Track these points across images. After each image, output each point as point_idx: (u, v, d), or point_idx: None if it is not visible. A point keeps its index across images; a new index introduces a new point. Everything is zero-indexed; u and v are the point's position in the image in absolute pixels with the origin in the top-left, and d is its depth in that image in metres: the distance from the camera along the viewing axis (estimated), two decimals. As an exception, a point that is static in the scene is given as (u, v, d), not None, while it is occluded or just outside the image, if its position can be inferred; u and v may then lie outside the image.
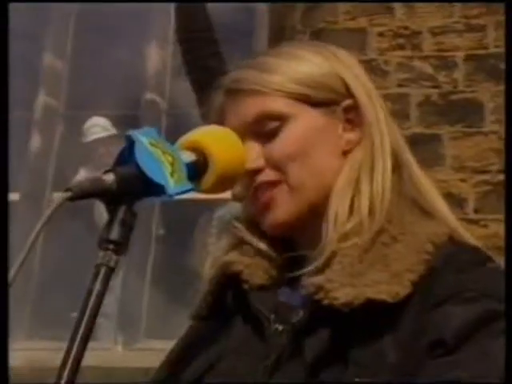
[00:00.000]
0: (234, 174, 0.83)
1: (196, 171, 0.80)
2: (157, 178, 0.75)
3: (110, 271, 0.72)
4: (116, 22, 3.90)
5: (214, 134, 0.83)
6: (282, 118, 0.86)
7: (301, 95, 0.86)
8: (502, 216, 2.92)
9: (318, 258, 0.83)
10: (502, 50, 3.10)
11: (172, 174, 0.76)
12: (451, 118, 3.05)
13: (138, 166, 0.74)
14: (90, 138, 3.87)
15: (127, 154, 0.76)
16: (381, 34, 3.21)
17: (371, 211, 0.83)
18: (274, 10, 3.49)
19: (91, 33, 4.00)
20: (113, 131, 3.89)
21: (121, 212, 0.73)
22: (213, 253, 0.92)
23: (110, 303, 3.67)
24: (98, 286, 0.70)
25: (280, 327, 0.83)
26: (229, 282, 0.88)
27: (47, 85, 3.99)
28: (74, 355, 0.67)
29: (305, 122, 0.86)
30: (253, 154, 0.86)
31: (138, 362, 2.95)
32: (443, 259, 0.80)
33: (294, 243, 0.90)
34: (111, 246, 0.72)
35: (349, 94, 0.88)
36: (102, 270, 0.71)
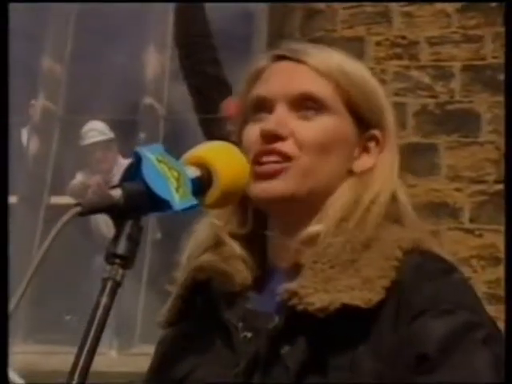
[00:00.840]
0: (237, 190, 0.85)
1: (200, 186, 0.82)
2: (163, 194, 0.76)
3: (117, 285, 0.73)
4: (115, 26, 3.91)
5: (218, 150, 0.85)
6: (323, 107, 0.87)
7: (349, 99, 0.88)
8: (498, 226, 2.95)
9: (289, 270, 0.85)
10: (499, 61, 3.12)
11: (177, 190, 0.78)
12: (448, 127, 3.07)
13: (144, 182, 0.76)
14: (88, 141, 3.88)
15: (134, 170, 0.77)
16: (378, 44, 3.23)
17: (357, 226, 0.84)
18: (273, 17, 3.50)
19: (90, 37, 4.00)
20: (110, 135, 3.90)
21: (127, 227, 0.75)
22: (189, 252, 0.91)
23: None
24: (104, 300, 0.72)
25: (249, 334, 0.84)
26: (198, 287, 0.89)
27: (46, 88, 4.00)
28: (81, 367, 0.69)
29: (339, 123, 0.88)
30: (283, 120, 0.86)
31: (132, 366, 2.96)
32: (411, 269, 0.81)
33: (265, 254, 0.90)
34: (118, 261, 0.74)
35: (379, 125, 0.90)
36: (109, 284, 0.73)
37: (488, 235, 2.94)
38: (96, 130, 3.90)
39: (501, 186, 3.00)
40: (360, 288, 0.79)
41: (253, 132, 0.87)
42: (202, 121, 3.45)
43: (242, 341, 0.84)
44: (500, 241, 2.93)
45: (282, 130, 0.86)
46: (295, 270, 0.83)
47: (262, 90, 0.89)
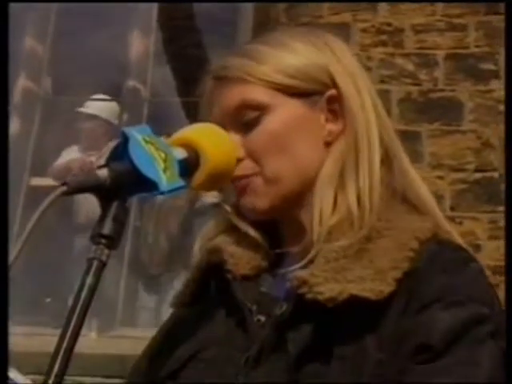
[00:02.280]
0: (224, 172, 0.84)
1: (187, 168, 0.81)
2: (150, 175, 0.76)
3: (102, 265, 0.73)
4: (99, 7, 3.87)
5: (205, 132, 0.85)
6: (261, 108, 0.85)
7: (282, 85, 0.86)
8: (476, 214, 2.98)
9: (302, 253, 0.83)
10: (482, 50, 3.14)
11: (165, 171, 0.77)
12: (430, 115, 3.08)
13: (131, 163, 0.75)
14: (90, 111, 3.84)
15: (121, 150, 0.77)
16: (364, 30, 3.23)
17: (359, 207, 0.83)
18: (259, 1, 3.49)
19: (73, 17, 3.96)
20: (113, 121, 3.88)
21: (114, 207, 0.74)
22: (201, 236, 0.91)
23: (86, 290, 3.66)
24: (89, 280, 0.71)
25: (262, 318, 0.83)
26: (213, 270, 0.88)
27: (27, 69, 3.96)
28: (65, 348, 0.68)
29: (284, 113, 0.86)
30: (233, 143, 0.86)
31: (112, 348, 2.96)
32: (427, 258, 0.80)
33: (280, 237, 0.90)
34: (103, 241, 0.73)
35: (333, 84, 0.87)
36: (95, 264, 0.72)
37: (467, 223, 2.97)
38: (99, 106, 3.86)
39: (480, 175, 3.03)
40: (372, 279, 0.77)
41: None
42: (186, 104, 3.44)
43: (255, 324, 0.83)
44: (478, 228, 2.96)
45: (235, 154, 0.85)
46: (308, 260, 0.82)
47: (212, 119, 0.88)
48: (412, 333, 0.76)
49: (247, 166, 0.86)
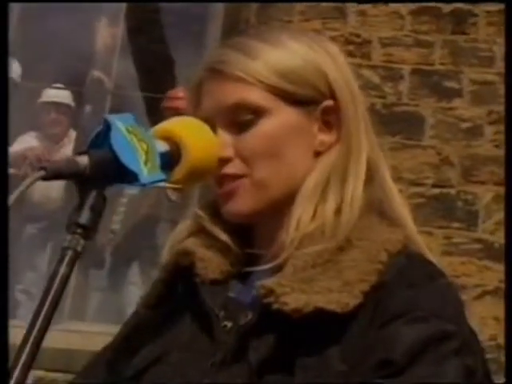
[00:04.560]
0: (205, 168, 0.83)
1: (169, 161, 0.79)
2: (131, 165, 0.74)
3: (77, 255, 0.70)
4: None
5: (189, 126, 0.83)
6: (257, 111, 0.84)
7: (281, 90, 0.84)
8: (431, 229, 3.02)
9: (273, 258, 0.83)
10: (446, 67, 3.20)
11: (146, 163, 0.75)
12: (392, 128, 3.12)
13: (112, 152, 0.73)
14: (46, 99, 3.81)
15: (102, 138, 0.75)
16: (333, 39, 3.25)
17: (337, 218, 0.82)
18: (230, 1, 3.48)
19: (40, 3, 3.88)
20: (71, 103, 3.85)
21: (91, 196, 0.72)
22: (172, 237, 0.90)
23: (33, 281, 3.59)
24: (63, 270, 0.69)
25: (229, 324, 0.82)
26: (181, 273, 0.87)
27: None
28: (34, 337, 0.66)
29: (279, 120, 0.84)
30: (223, 141, 0.84)
31: (60, 343, 2.90)
32: (395, 271, 0.79)
33: (252, 239, 0.89)
34: (79, 231, 0.71)
35: (331, 94, 0.86)
36: (69, 254, 0.70)
37: (423, 237, 3.01)
38: (58, 93, 3.82)
39: (438, 191, 3.08)
40: (339, 290, 0.76)
41: None
42: (147, 99, 3.40)
43: (221, 330, 0.81)
44: (432, 243, 3.00)
45: (224, 153, 0.84)
46: (278, 265, 0.81)
47: (200, 113, 0.87)
48: (375, 347, 0.75)
49: (237, 166, 0.84)
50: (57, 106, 3.83)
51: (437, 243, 3.00)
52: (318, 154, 0.86)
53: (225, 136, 0.85)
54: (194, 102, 0.88)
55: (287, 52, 0.86)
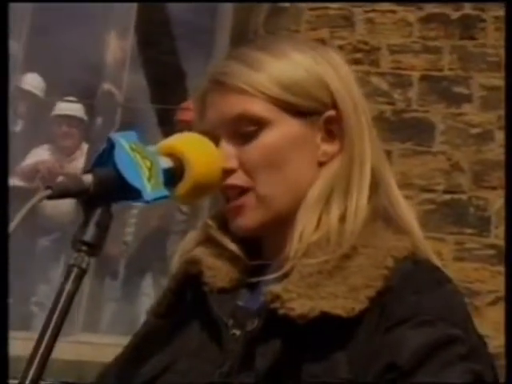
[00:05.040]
0: (209, 184, 0.84)
1: (172, 178, 0.81)
2: (135, 183, 0.75)
3: (82, 272, 0.72)
4: (77, 6, 3.84)
5: (192, 142, 0.84)
6: (260, 123, 0.85)
7: (283, 102, 0.85)
8: (443, 235, 3.01)
9: (279, 267, 0.83)
10: (455, 73, 3.19)
11: (149, 179, 0.77)
12: (402, 135, 3.12)
13: (116, 169, 0.74)
14: (59, 112, 3.84)
15: (107, 156, 0.76)
16: (340, 47, 3.25)
17: (342, 227, 0.83)
18: (238, 11, 3.50)
19: (49, 15, 3.92)
20: (83, 117, 3.88)
21: (96, 214, 0.73)
22: (181, 246, 0.91)
23: (47, 293, 3.61)
24: (69, 286, 0.70)
25: (237, 332, 0.82)
26: (190, 281, 0.87)
27: (0, 65, 3.90)
28: (42, 353, 0.67)
29: (282, 131, 0.85)
30: (227, 153, 0.85)
31: (72, 354, 2.91)
32: (401, 277, 0.80)
33: (259, 249, 0.90)
34: (84, 248, 0.72)
35: (333, 104, 0.86)
36: (74, 271, 0.71)
37: (433, 243, 3.00)
38: (70, 106, 3.85)
39: (449, 197, 3.07)
40: (344, 296, 0.77)
41: None
42: (159, 111, 3.43)
43: (230, 338, 0.82)
44: (444, 249, 2.99)
45: (228, 164, 0.85)
46: (284, 274, 0.81)
47: (204, 124, 0.88)
48: (381, 351, 0.75)
49: (241, 178, 0.85)
50: (68, 119, 3.86)
51: (449, 249, 2.99)
52: (321, 164, 0.87)
53: (228, 147, 0.86)
54: (199, 114, 0.90)
55: (290, 64, 0.87)
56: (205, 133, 0.87)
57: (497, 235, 3.01)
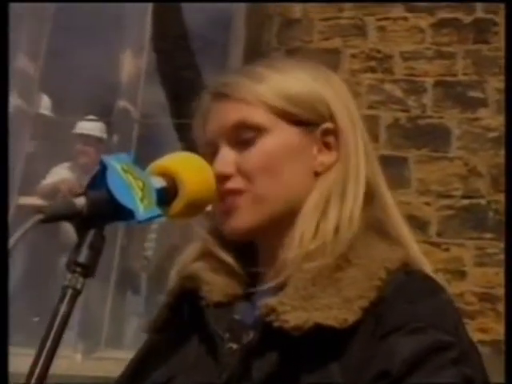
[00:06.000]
0: (202, 201, 0.85)
1: (165, 197, 0.82)
2: (127, 204, 0.76)
3: (77, 293, 0.73)
4: (92, 27, 3.90)
5: (184, 161, 0.85)
6: (258, 130, 0.87)
7: (282, 111, 0.88)
8: (463, 241, 2.99)
9: (275, 276, 0.85)
10: (470, 78, 3.18)
11: (142, 200, 0.78)
12: (418, 141, 3.11)
13: (109, 191, 0.76)
14: (77, 131, 3.88)
15: (99, 178, 0.78)
16: (353, 56, 3.26)
17: (336, 236, 0.84)
18: (250, 24, 3.52)
19: (66, 36, 3.98)
20: (100, 135, 3.93)
21: (90, 235, 0.75)
22: (178, 261, 0.92)
23: (71, 310, 3.64)
24: (64, 308, 0.71)
25: (234, 346, 0.84)
26: (187, 296, 0.89)
27: (19, 87, 3.97)
28: (38, 375, 0.69)
29: (280, 138, 0.87)
30: (225, 159, 0.87)
31: (97, 370, 2.94)
32: (394, 288, 0.81)
33: (255, 258, 0.91)
34: (79, 269, 0.73)
35: (331, 117, 0.89)
36: (69, 292, 0.73)
37: (454, 249, 2.98)
38: (86, 125, 3.91)
39: (467, 202, 3.05)
40: (338, 307, 0.78)
41: None
42: (178, 126, 3.45)
43: (226, 352, 0.83)
44: (465, 255, 2.97)
45: (226, 169, 0.87)
46: (280, 283, 0.83)
47: (206, 135, 0.90)
48: (373, 359, 0.76)
49: (238, 182, 0.87)
50: (85, 137, 3.91)
51: (469, 255, 2.97)
52: (317, 175, 0.89)
53: (227, 153, 0.88)
54: (200, 127, 0.92)
55: (290, 77, 0.90)
56: (206, 143, 0.90)
57: (518, 239, 2.98)
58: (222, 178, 0.87)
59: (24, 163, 3.89)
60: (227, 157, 0.87)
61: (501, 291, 2.92)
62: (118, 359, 3.22)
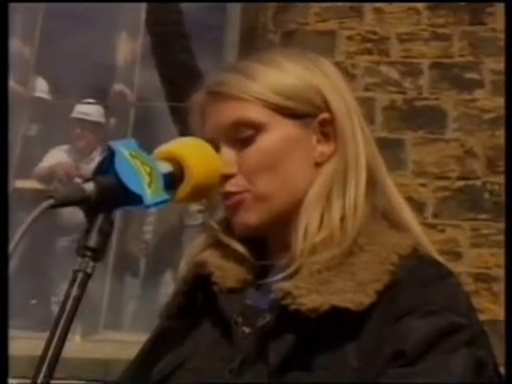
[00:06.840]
0: (208, 185, 0.86)
1: (172, 181, 0.83)
2: (135, 189, 0.77)
3: (87, 277, 0.74)
4: (87, 10, 3.87)
5: (190, 146, 0.86)
6: (257, 127, 0.88)
7: (278, 106, 0.88)
8: (459, 222, 3.01)
9: (285, 267, 0.86)
10: (466, 59, 3.18)
11: (149, 185, 0.79)
12: (414, 123, 3.12)
13: (117, 177, 0.77)
14: (73, 115, 3.87)
15: (107, 164, 0.78)
16: (350, 38, 3.26)
17: (343, 225, 0.86)
18: (246, 8, 3.51)
19: (60, 20, 3.96)
20: (98, 119, 3.91)
21: (99, 220, 0.76)
22: (188, 250, 0.94)
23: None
24: (75, 292, 0.73)
25: (247, 330, 0.85)
26: (200, 283, 0.90)
27: (14, 71, 3.95)
28: (50, 359, 0.70)
29: (278, 133, 0.88)
30: (226, 159, 0.88)
31: (96, 352, 2.96)
32: (407, 272, 0.83)
33: (264, 250, 0.92)
34: (89, 253, 0.75)
35: (326, 107, 0.90)
36: (80, 276, 0.74)
37: (449, 230, 3.01)
38: (83, 109, 3.90)
39: (463, 183, 3.07)
40: (353, 291, 0.80)
41: None
42: (173, 109, 3.44)
43: (240, 336, 0.85)
44: (460, 236, 2.99)
45: (227, 170, 0.88)
46: (292, 272, 0.84)
47: (204, 134, 0.91)
48: (388, 341, 0.78)
49: (239, 183, 0.88)
50: (82, 121, 3.90)
51: (465, 236, 2.99)
52: (318, 165, 0.90)
53: (228, 153, 0.89)
54: (199, 125, 0.93)
55: (283, 72, 0.90)
56: (206, 142, 0.89)
57: (513, 220, 3.00)
58: (223, 178, 0.88)
59: (20, 146, 3.88)
60: (228, 156, 0.88)
61: (496, 272, 2.95)
62: (116, 341, 3.24)
